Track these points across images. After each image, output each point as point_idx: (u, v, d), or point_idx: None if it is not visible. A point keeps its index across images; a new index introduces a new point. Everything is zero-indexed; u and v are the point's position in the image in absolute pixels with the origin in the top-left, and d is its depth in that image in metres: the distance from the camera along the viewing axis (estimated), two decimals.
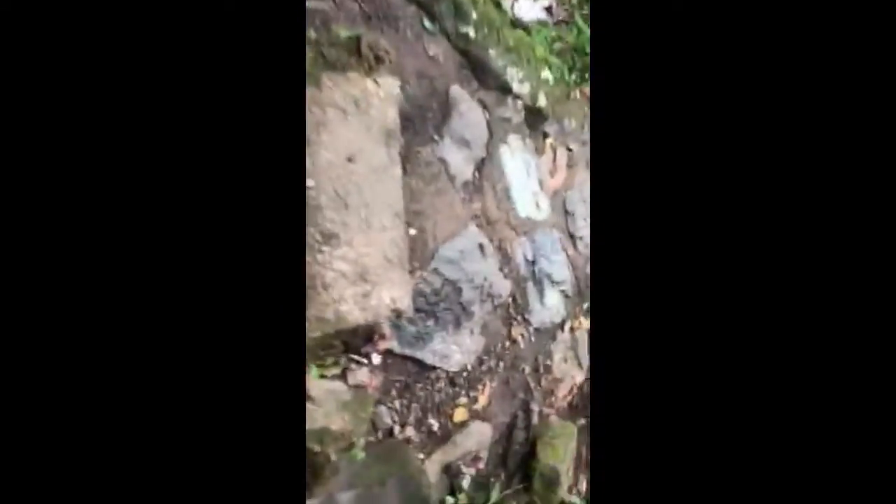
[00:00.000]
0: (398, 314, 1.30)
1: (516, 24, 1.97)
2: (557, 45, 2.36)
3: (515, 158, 1.85)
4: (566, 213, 2.25)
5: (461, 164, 1.68)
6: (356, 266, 1.25)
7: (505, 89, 1.79)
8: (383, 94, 1.28)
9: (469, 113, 1.69)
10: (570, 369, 2.08)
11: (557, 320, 2.01)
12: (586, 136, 2.35)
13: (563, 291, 2.04)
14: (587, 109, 2.49)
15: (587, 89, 2.56)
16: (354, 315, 1.25)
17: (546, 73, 2.06)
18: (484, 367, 1.81)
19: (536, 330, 1.95)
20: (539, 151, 2.13)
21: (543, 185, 1.97)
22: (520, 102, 1.84)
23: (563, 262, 2.03)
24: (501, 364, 1.86)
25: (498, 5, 1.84)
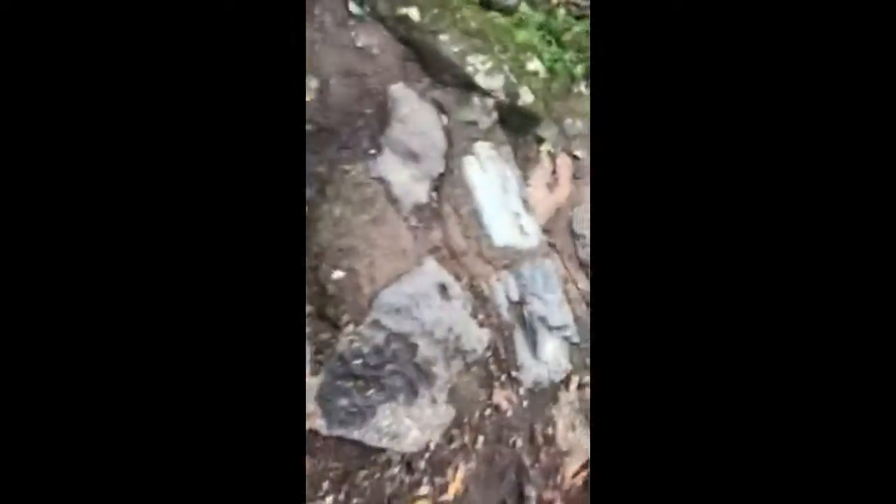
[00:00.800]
0: None
1: (490, 4, 1.62)
2: (567, 36, 1.99)
3: (487, 172, 1.49)
4: (573, 235, 1.85)
5: (408, 183, 1.34)
6: None
7: (468, 85, 1.44)
8: None
9: (417, 117, 1.35)
10: (581, 438, 1.65)
11: (559, 377, 1.61)
12: None
13: (566, 338, 1.64)
14: None
15: None
16: None
17: (534, 64, 1.69)
18: (455, 445, 1.43)
19: (530, 391, 1.55)
20: (531, 161, 1.75)
21: (528, 204, 1.59)
22: (490, 101, 1.48)
23: (562, 301, 1.63)
24: (481, 439, 1.47)
25: None
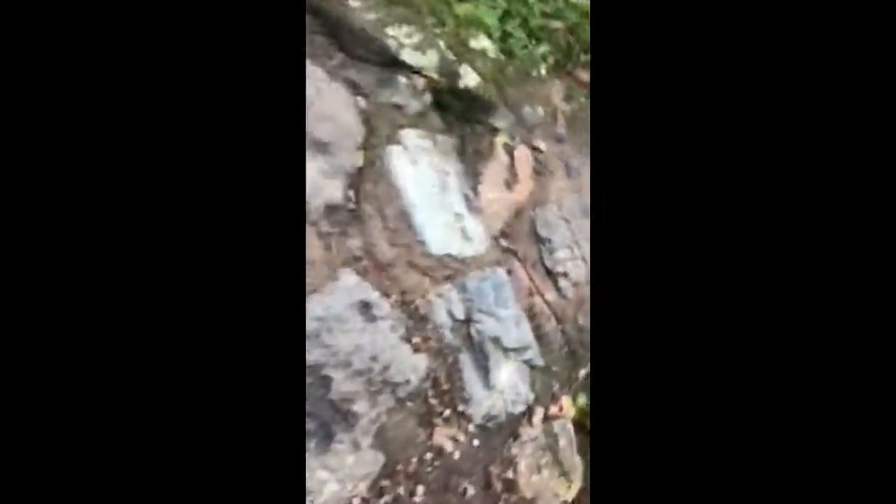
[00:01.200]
0: None
1: None
2: (537, 21, 1.78)
3: (419, 165, 1.25)
4: (538, 239, 1.61)
5: (316, 178, 1.11)
6: None
7: (392, 62, 1.21)
8: None
9: (325, 99, 1.12)
10: (550, 482, 1.39)
11: (519, 408, 1.36)
12: (563, 128, 1.72)
13: (526, 361, 1.39)
14: (574, 93, 1.87)
15: (579, 69, 1.96)
16: None
17: (480, 42, 1.47)
18: (386, 499, 1.18)
19: (482, 428, 1.30)
20: (483, 155, 1.52)
21: (473, 204, 1.35)
22: (421, 81, 1.25)
23: (519, 318, 1.39)
24: (420, 489, 1.22)
25: None
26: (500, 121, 1.58)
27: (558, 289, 1.65)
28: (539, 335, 1.55)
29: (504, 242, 1.57)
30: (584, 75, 2.01)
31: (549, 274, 1.64)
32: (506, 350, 1.34)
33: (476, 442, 1.31)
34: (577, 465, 1.43)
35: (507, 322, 1.34)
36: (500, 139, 1.57)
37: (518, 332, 1.37)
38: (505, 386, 1.33)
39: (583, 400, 1.51)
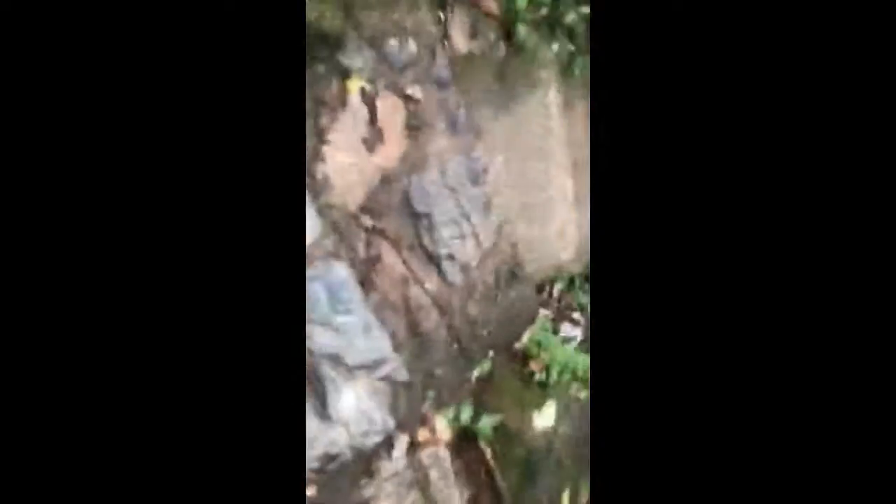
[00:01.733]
0: None
1: None
2: None
3: None
4: (414, 214, 1.29)
5: None
6: None
7: None
8: None
9: None
10: None
11: (373, 439, 1.07)
12: (445, 70, 1.36)
13: (383, 378, 1.08)
14: (481, 28, 1.51)
15: None
16: None
17: None
18: None
19: (319, 472, 1.00)
20: (328, 106, 1.17)
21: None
22: None
23: (369, 324, 1.08)
24: None
25: None
26: (354, 59, 1.21)
27: (442, 275, 1.34)
28: (416, 334, 1.25)
29: (367, 220, 1.24)
30: (492, 4, 1.65)
31: (430, 258, 1.33)
32: (350, 368, 1.03)
33: (312, 491, 1.02)
34: (453, 499, 1.16)
35: (350, 332, 1.02)
36: (355, 83, 1.21)
37: (368, 343, 1.06)
38: (350, 415, 1.02)
39: (467, 413, 1.23)
